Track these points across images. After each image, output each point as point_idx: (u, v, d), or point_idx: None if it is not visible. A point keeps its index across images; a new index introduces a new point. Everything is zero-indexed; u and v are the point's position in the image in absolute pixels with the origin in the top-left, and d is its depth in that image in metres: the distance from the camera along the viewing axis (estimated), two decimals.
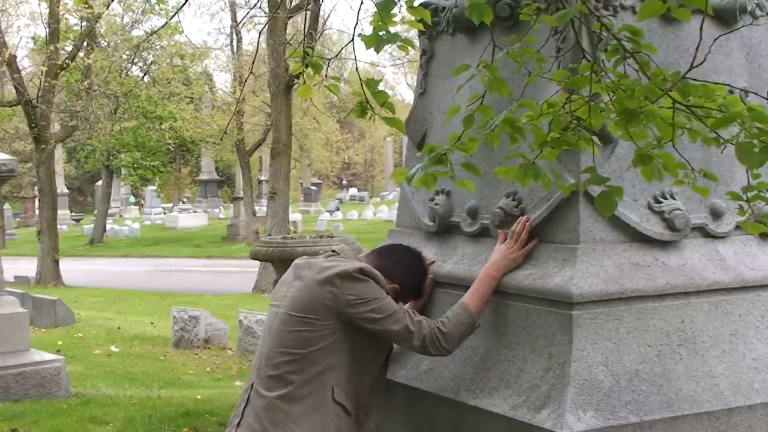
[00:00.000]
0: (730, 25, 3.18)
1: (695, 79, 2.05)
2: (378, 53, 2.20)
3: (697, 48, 2.08)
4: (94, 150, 32.94)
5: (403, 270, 3.10)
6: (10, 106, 23.91)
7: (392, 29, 2.15)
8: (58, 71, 21.08)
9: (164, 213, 44.53)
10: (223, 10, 30.74)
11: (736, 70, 3.23)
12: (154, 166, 34.63)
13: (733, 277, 3.04)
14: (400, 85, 65.90)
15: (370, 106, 2.28)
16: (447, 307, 3.29)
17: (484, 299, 2.98)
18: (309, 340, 2.81)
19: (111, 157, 33.56)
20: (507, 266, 3.00)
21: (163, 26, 20.33)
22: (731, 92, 2.29)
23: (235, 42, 29.79)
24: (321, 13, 18.95)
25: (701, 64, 2.09)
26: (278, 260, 7.46)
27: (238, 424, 2.88)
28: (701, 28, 2.04)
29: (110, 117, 24.74)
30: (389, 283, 3.00)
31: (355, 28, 2.44)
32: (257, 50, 16.01)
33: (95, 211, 37.88)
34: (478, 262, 3.23)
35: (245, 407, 2.88)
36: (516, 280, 3.00)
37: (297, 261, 3.07)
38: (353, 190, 56.46)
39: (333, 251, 3.04)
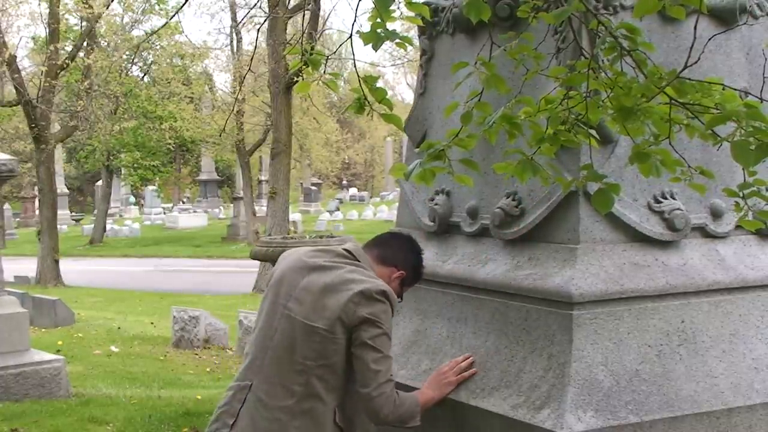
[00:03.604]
0: (729, 25, 3.17)
1: (690, 79, 2.04)
2: (376, 50, 2.19)
3: (691, 47, 2.08)
4: (94, 150, 32.95)
5: (405, 257, 3.04)
6: (10, 106, 23.93)
7: (391, 26, 2.15)
8: (58, 71, 21.09)
9: (164, 213, 44.51)
10: (223, 10, 30.83)
11: (736, 70, 3.22)
12: (154, 166, 34.62)
13: (733, 277, 3.03)
14: (400, 85, 66.00)
15: (368, 102, 2.27)
16: (447, 306, 3.29)
17: (428, 406, 2.93)
18: (319, 352, 2.72)
19: (111, 157, 33.56)
20: (441, 393, 2.95)
21: (163, 26, 20.37)
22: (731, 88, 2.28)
23: (235, 42, 29.77)
24: (321, 12, 18.94)
25: (696, 62, 2.09)
26: None
27: (233, 424, 2.78)
28: (695, 27, 2.04)
29: (110, 117, 24.76)
30: (395, 272, 2.96)
31: (353, 25, 2.44)
32: (255, 48, 16.00)
33: (95, 211, 37.88)
34: (478, 262, 3.23)
35: (241, 408, 2.78)
36: (516, 280, 3.00)
37: (302, 256, 2.92)
38: (353, 190, 56.44)
39: (347, 251, 2.93)
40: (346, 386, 2.79)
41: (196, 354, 11.10)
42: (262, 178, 39.10)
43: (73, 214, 46.02)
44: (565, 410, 2.62)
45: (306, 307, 2.77)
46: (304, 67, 2.34)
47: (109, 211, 38.81)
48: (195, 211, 42.28)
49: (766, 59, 3.08)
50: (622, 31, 2.08)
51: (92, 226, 35.75)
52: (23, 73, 22.60)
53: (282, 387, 2.74)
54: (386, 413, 2.75)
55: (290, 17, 17.77)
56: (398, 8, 2.21)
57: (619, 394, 2.70)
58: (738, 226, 3.12)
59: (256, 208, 31.54)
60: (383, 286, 2.81)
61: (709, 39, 2.72)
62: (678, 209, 3.01)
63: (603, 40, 2.13)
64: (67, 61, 21.65)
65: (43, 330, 12.50)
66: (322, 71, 2.38)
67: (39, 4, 23.60)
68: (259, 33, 16.33)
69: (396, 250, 3.03)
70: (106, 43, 24.54)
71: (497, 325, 3.04)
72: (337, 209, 42.18)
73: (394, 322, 3.47)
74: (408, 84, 53.95)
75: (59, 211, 25.51)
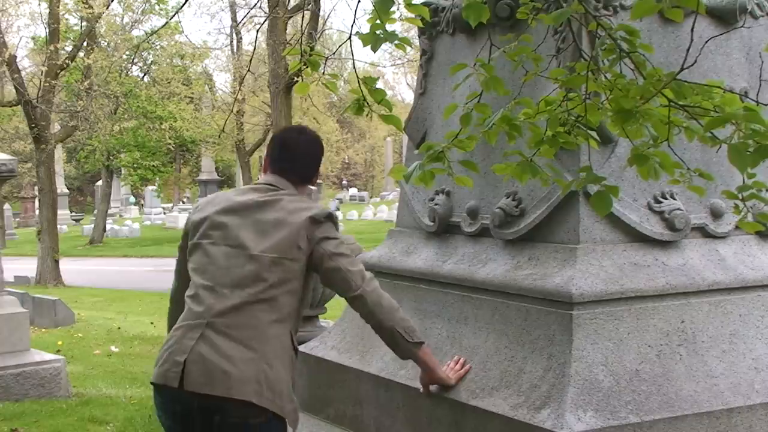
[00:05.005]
0: (730, 25, 3.18)
1: (688, 81, 2.04)
2: (375, 52, 2.20)
3: (688, 49, 2.08)
4: (94, 150, 32.92)
5: (317, 167, 3.12)
6: (10, 106, 23.92)
7: (391, 26, 2.15)
8: (58, 71, 21.06)
9: (164, 213, 44.49)
10: (223, 10, 30.79)
11: (736, 70, 3.23)
12: (154, 166, 34.59)
13: (733, 277, 3.03)
14: (400, 85, 65.96)
15: (367, 103, 2.28)
16: (447, 306, 3.29)
17: (425, 364, 2.96)
18: (282, 278, 2.79)
19: (111, 157, 33.54)
20: (441, 376, 2.99)
21: (163, 26, 20.38)
22: (730, 91, 2.28)
23: (235, 42, 29.79)
24: (321, 13, 18.95)
25: (694, 64, 2.09)
26: None
27: (185, 361, 2.72)
28: (692, 29, 2.05)
29: (110, 117, 24.73)
30: (310, 189, 3.07)
31: (352, 26, 2.44)
32: (255, 48, 15.97)
33: (95, 211, 37.86)
34: (479, 262, 3.23)
35: (195, 344, 2.73)
36: (516, 280, 3.00)
37: (232, 198, 2.97)
38: (353, 190, 56.43)
39: (270, 184, 2.96)
40: (298, 309, 2.86)
41: None
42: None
43: (73, 214, 46.03)
44: (565, 410, 2.62)
45: (263, 243, 2.83)
46: (303, 67, 2.34)
47: (109, 211, 38.80)
48: None
49: (763, 62, 3.08)
50: (621, 33, 2.08)
51: (92, 226, 35.73)
52: (23, 73, 22.55)
53: (248, 315, 2.77)
54: (383, 298, 2.82)
55: (290, 17, 17.77)
56: (398, 9, 2.21)
57: (619, 394, 2.70)
58: (738, 226, 3.13)
59: None
60: (327, 210, 2.94)
61: (708, 40, 2.72)
62: (678, 209, 3.01)
63: (602, 42, 2.13)
64: (67, 61, 21.61)
65: (43, 330, 12.48)
66: (322, 71, 2.39)
67: (39, 4, 23.61)
68: (259, 33, 16.35)
69: (306, 169, 3.04)
70: (106, 43, 24.53)
71: (497, 325, 3.05)
72: (337, 209, 42.14)
73: None
74: (408, 84, 53.92)
75: (59, 211, 25.48)
